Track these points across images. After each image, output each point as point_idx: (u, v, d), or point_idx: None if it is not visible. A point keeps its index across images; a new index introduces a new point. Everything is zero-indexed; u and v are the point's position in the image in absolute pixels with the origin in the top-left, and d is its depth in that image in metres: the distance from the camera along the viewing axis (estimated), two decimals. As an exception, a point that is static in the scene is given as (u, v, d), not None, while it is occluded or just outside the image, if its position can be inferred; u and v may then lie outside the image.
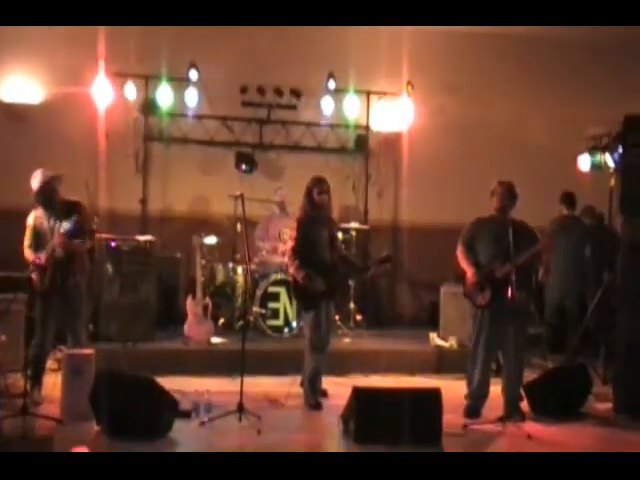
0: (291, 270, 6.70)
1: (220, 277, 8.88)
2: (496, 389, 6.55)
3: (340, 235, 7.23)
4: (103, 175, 8.83)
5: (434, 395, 5.68)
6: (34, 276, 6.40)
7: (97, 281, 8.17)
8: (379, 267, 7.00)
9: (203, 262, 8.57)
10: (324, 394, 6.91)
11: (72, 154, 8.85)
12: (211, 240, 8.70)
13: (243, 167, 9.50)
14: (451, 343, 8.43)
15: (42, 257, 6.38)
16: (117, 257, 8.24)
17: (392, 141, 10.12)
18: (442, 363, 8.21)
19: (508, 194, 6.41)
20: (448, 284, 8.62)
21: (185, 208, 9.77)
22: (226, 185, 8.96)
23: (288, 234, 6.91)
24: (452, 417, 6.02)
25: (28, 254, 6.47)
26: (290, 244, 6.70)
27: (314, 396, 6.72)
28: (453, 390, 6.60)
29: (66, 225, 6.35)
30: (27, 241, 6.50)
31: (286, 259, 6.84)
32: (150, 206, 9.68)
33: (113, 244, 8.24)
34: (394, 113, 9.97)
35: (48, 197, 6.44)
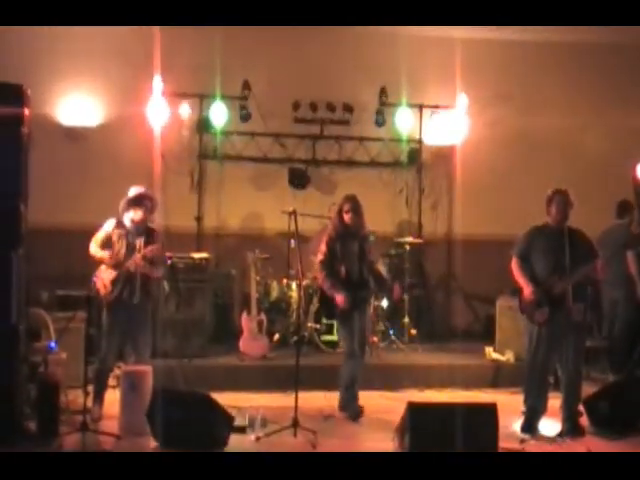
0: (320, 282, 6.88)
1: (274, 293, 8.92)
2: (554, 403, 6.43)
3: (370, 248, 7.39)
4: (159, 193, 8.91)
5: (490, 410, 5.60)
6: (101, 288, 6.48)
7: (154, 298, 8.27)
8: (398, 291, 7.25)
9: (257, 278, 8.63)
10: (360, 411, 6.86)
11: (129, 173, 8.83)
12: (266, 256, 8.77)
13: (296, 183, 9.56)
14: (507, 357, 8.32)
15: (113, 272, 6.49)
16: (173, 274, 8.32)
17: (445, 154, 10.06)
18: (498, 377, 8.12)
19: (565, 203, 6.30)
20: (504, 297, 8.53)
21: (239, 225, 9.86)
22: (279, 201, 9.07)
23: (319, 248, 7.00)
24: (508, 432, 5.95)
25: (96, 251, 6.56)
26: (319, 257, 6.83)
27: (352, 404, 6.73)
28: (510, 405, 6.53)
29: (151, 248, 6.52)
30: (97, 241, 6.59)
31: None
32: (205, 223, 9.74)
33: (169, 261, 8.30)
34: (447, 125, 9.92)
35: (139, 210, 6.58)
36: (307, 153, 9.96)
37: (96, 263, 6.62)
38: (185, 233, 9.43)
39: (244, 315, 8.37)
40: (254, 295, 8.44)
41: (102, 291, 6.51)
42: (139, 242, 6.56)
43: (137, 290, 6.55)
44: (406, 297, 9.24)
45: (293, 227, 7.12)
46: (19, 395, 5.79)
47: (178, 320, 8.21)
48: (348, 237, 6.83)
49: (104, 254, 6.54)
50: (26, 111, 5.85)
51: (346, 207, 6.83)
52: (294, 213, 6.94)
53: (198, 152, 9.70)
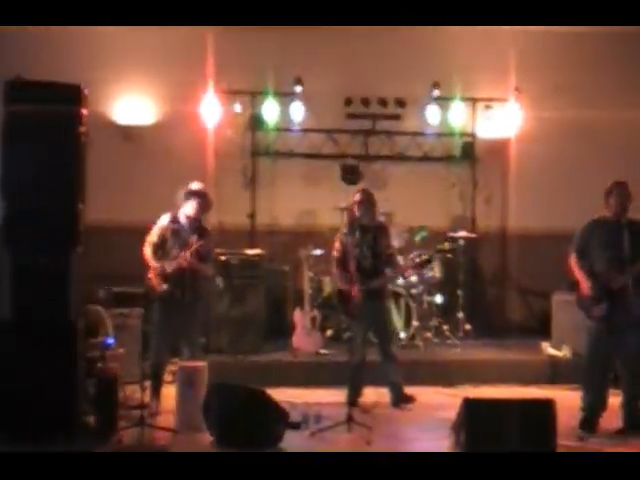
0: (334, 279, 7.07)
1: (327, 289, 8.89)
2: (615, 400, 6.30)
3: (396, 242, 7.45)
4: (212, 191, 8.94)
5: (548, 406, 5.49)
6: (155, 284, 6.55)
7: (207, 294, 8.32)
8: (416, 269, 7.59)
9: (310, 274, 8.67)
10: (411, 400, 6.87)
11: (183, 171, 8.84)
12: (318, 252, 8.75)
13: (348, 179, 9.51)
14: (564, 352, 8.19)
15: (168, 268, 6.55)
16: (226, 271, 8.39)
17: (499, 147, 9.94)
18: (555, 373, 8.00)
19: (625, 195, 6.15)
20: (560, 291, 8.39)
21: (292, 221, 9.88)
22: (332, 197, 9.08)
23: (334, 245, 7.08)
24: (567, 429, 5.85)
25: (149, 253, 6.63)
26: (334, 253, 6.93)
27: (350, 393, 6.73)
28: (568, 401, 6.38)
29: (200, 243, 6.55)
30: (154, 237, 6.65)
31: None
32: (258, 220, 9.79)
33: (223, 258, 8.37)
34: (501, 119, 9.80)
35: (195, 202, 6.62)
36: (359, 149, 9.93)
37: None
38: (238, 230, 9.51)
39: (297, 311, 8.39)
40: (307, 291, 8.49)
41: (154, 287, 6.56)
42: (192, 239, 6.59)
43: (188, 287, 6.61)
44: (459, 293, 9.18)
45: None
46: (78, 391, 5.86)
47: (232, 316, 8.26)
48: (360, 230, 6.85)
49: (154, 264, 6.58)
50: (84, 111, 5.93)
51: (357, 200, 6.88)
52: (347, 209, 6.92)
53: (251, 149, 9.76)
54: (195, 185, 6.72)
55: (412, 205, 9.25)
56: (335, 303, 7.34)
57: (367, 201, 6.91)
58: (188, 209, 6.66)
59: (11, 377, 5.67)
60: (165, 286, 6.53)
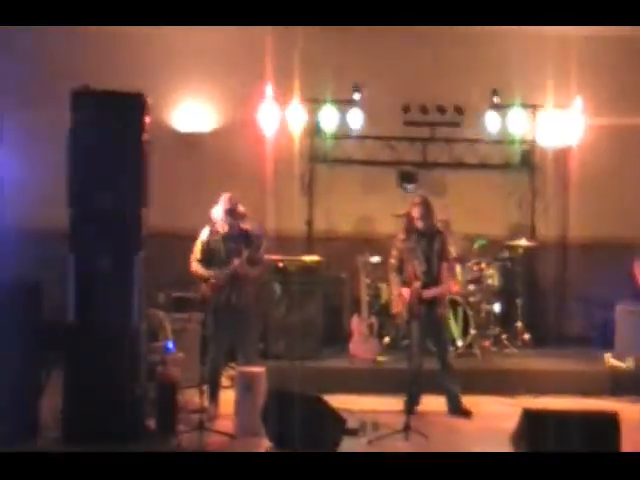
0: (390, 285, 7.18)
1: (384, 296, 8.87)
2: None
3: (452, 250, 7.46)
4: (270, 197, 9.09)
5: (611, 418, 5.41)
6: (207, 293, 6.66)
7: (265, 300, 8.42)
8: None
9: (368, 281, 8.64)
10: (468, 414, 6.85)
11: (241, 178, 9.14)
12: (375, 259, 8.73)
13: (405, 186, 9.48)
14: (628, 364, 8.04)
15: (219, 277, 6.63)
16: (284, 277, 8.47)
17: (559, 155, 9.79)
18: (618, 385, 7.85)
19: None
20: (624, 302, 8.28)
21: (349, 228, 9.85)
22: (389, 204, 9.08)
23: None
24: (632, 443, 5.66)
25: (197, 268, 6.74)
26: (390, 260, 7.01)
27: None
28: (631, 413, 6.30)
29: (246, 253, 6.63)
30: (197, 254, 6.77)
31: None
32: (315, 226, 9.80)
33: (280, 265, 8.45)
34: (562, 126, 9.65)
35: (233, 220, 6.74)
36: (417, 156, 9.85)
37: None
38: (296, 236, 9.54)
39: (354, 318, 8.40)
40: (364, 298, 8.47)
41: (206, 295, 6.68)
42: (238, 246, 6.67)
43: (237, 292, 6.69)
44: (518, 302, 9.09)
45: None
46: (140, 394, 5.98)
47: (289, 323, 8.29)
48: (417, 237, 6.88)
49: (204, 272, 6.70)
50: (147, 119, 6.05)
51: (415, 206, 6.92)
52: (405, 216, 6.93)
53: (309, 156, 9.77)
54: (223, 197, 6.77)
55: (470, 213, 9.20)
56: (392, 310, 7.34)
57: (425, 207, 6.92)
58: (219, 221, 6.77)
59: (75, 380, 5.80)
60: (214, 294, 6.64)
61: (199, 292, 6.74)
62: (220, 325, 6.71)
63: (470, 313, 8.54)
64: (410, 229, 6.95)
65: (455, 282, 7.43)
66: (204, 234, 6.79)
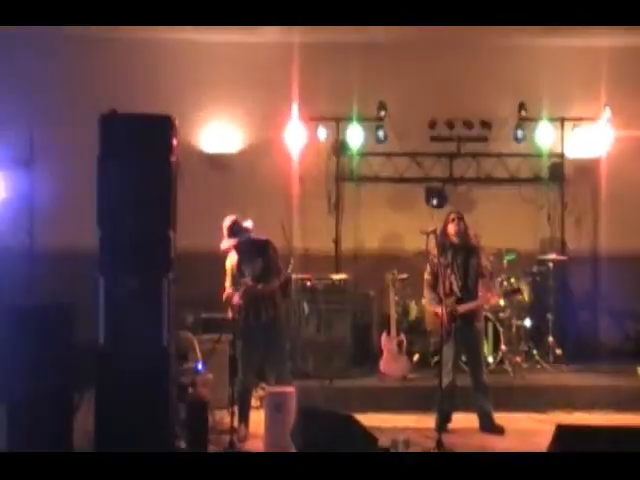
0: (425, 301, 7.15)
1: (413, 313, 8.92)
2: None
3: (487, 264, 7.34)
4: (297, 216, 9.14)
5: (646, 435, 5.34)
6: (230, 315, 6.78)
7: (294, 319, 8.48)
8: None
9: (396, 298, 8.65)
10: (500, 430, 6.85)
11: (269, 197, 9.28)
12: (403, 276, 8.77)
13: (433, 202, 9.47)
14: (663, 378, 7.99)
15: (235, 298, 6.73)
16: (312, 296, 8.53)
17: (589, 168, 9.76)
18: (653, 399, 7.79)
19: None
20: (657, 315, 8.22)
21: (377, 245, 9.87)
22: (417, 221, 8.80)
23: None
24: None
25: (227, 284, 6.86)
26: (425, 275, 7.02)
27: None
28: (667, 429, 6.17)
29: (251, 270, 6.71)
30: (227, 282, 6.89)
31: None
32: (343, 245, 9.81)
33: (309, 283, 8.53)
34: (591, 139, 9.63)
35: (243, 244, 6.80)
36: (444, 171, 9.89)
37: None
38: (324, 255, 9.58)
39: (384, 335, 8.40)
40: (393, 315, 8.47)
41: (234, 314, 6.78)
42: (249, 266, 6.77)
43: (265, 309, 6.75)
44: (549, 316, 9.04)
45: (432, 246, 7.09)
46: (170, 415, 6.02)
47: (318, 341, 8.38)
48: (452, 251, 6.90)
49: (226, 293, 6.82)
50: (174, 141, 6.14)
51: (450, 220, 6.97)
52: (434, 232, 6.93)
53: (335, 174, 9.82)
54: (226, 222, 6.87)
55: (499, 227, 9.15)
56: (425, 326, 7.32)
57: (462, 224, 6.97)
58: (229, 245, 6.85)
59: (107, 401, 5.87)
60: (238, 313, 6.72)
61: (226, 316, 6.82)
62: (248, 344, 6.76)
63: (501, 329, 8.52)
64: (445, 245, 6.93)
65: (495, 294, 7.41)
66: (227, 261, 6.92)
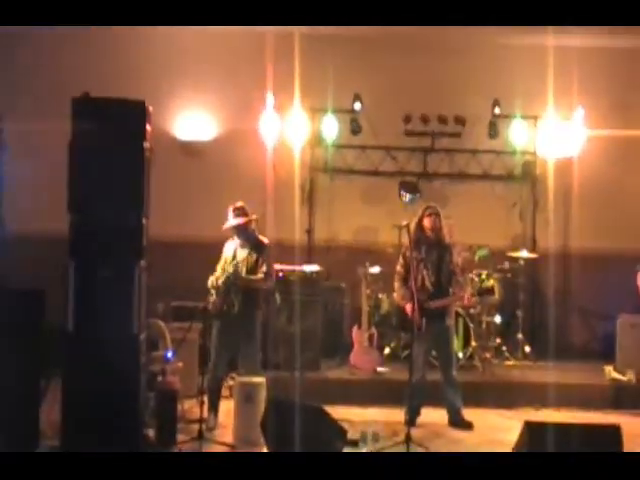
0: (396, 295, 7.13)
1: (385, 306, 8.92)
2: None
3: (459, 260, 7.34)
4: (271, 207, 9.08)
5: (613, 432, 5.31)
6: (211, 299, 6.74)
7: (265, 310, 8.38)
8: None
9: (368, 292, 8.66)
10: (469, 426, 6.91)
11: (242, 187, 9.12)
12: (376, 270, 8.77)
13: (407, 196, 9.51)
14: (629, 377, 8.06)
15: (219, 281, 6.71)
16: (284, 287, 8.47)
17: (561, 166, 9.77)
18: (619, 398, 7.88)
19: None
20: (626, 314, 8.30)
21: (350, 238, 9.88)
22: (390, 215, 9.06)
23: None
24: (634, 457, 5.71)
25: (214, 278, 6.79)
26: (397, 267, 7.02)
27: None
28: (633, 426, 6.31)
29: (245, 260, 6.71)
30: (218, 266, 6.87)
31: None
32: (316, 236, 9.87)
33: (281, 274, 8.42)
34: (563, 137, 9.67)
35: (244, 231, 6.84)
36: (418, 166, 9.94)
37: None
38: (296, 246, 9.50)
39: (355, 329, 8.42)
40: (365, 309, 8.47)
41: (211, 303, 6.74)
42: (243, 254, 6.76)
43: (239, 300, 6.72)
44: (519, 313, 9.10)
45: (405, 240, 7.12)
46: (140, 403, 5.96)
47: (290, 333, 8.30)
48: (426, 246, 6.90)
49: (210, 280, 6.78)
50: (148, 127, 6.06)
51: (426, 215, 6.95)
52: (407, 227, 6.93)
53: (309, 165, 9.83)
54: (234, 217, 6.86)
55: (471, 224, 9.09)
56: (395, 320, 7.30)
57: (438, 219, 6.96)
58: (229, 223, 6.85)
59: (75, 389, 5.79)
60: (213, 299, 6.70)
61: (208, 301, 6.77)
62: (224, 335, 6.77)
63: (471, 325, 8.56)
64: (419, 239, 6.92)
65: (468, 294, 7.41)
66: (226, 246, 6.91)
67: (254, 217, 6.92)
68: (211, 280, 6.78)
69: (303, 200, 9.78)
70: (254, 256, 6.78)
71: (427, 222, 6.95)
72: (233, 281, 6.69)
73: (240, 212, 6.84)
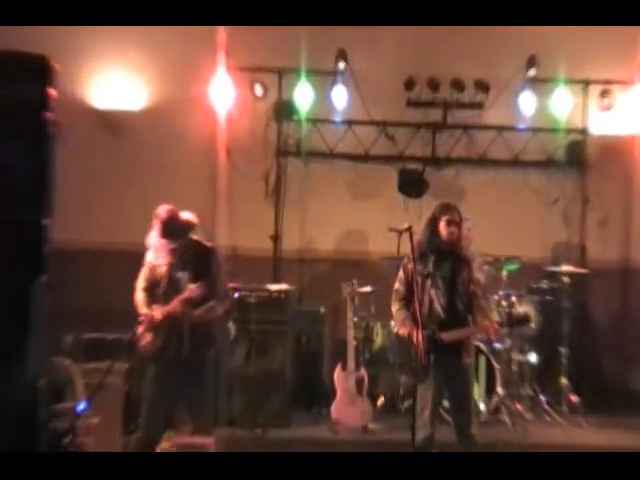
0: (394, 321, 6.95)
1: (379, 340, 8.94)
2: None
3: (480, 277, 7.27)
4: (222, 203, 9.05)
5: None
6: (144, 334, 6.63)
7: (217, 346, 8.30)
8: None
9: (356, 319, 8.67)
10: None
11: (183, 175, 9.22)
12: (367, 289, 8.77)
13: (409, 190, 9.54)
14: None
15: (158, 313, 6.61)
16: (242, 313, 8.45)
17: (620, 149, 9.85)
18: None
19: None
20: None
21: (332, 246, 9.99)
22: (387, 214, 9.12)
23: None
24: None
25: (140, 299, 6.72)
26: (396, 285, 6.83)
27: None
28: None
29: (193, 288, 6.54)
30: (141, 282, 6.76)
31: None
32: (285, 244, 9.88)
33: (236, 295, 8.41)
34: (624, 110, 9.71)
35: (173, 238, 6.66)
36: (424, 148, 9.96)
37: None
38: (258, 257, 9.58)
39: (338, 370, 8.38)
40: (351, 342, 8.42)
41: (144, 341, 6.64)
42: (184, 276, 6.65)
43: (185, 338, 6.62)
44: (563, 350, 9.03)
45: (406, 250, 7.02)
46: (38, 474, 5.86)
47: (248, 375, 8.30)
48: (436, 257, 6.78)
49: (145, 311, 6.66)
50: (52, 91, 5.97)
51: (447, 216, 6.77)
52: (409, 231, 6.84)
53: (276, 147, 9.85)
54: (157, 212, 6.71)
55: (497, 227, 9.26)
56: (392, 357, 7.26)
57: (451, 219, 6.79)
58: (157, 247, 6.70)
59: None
60: (150, 338, 6.59)
61: (135, 332, 6.65)
62: (162, 381, 6.67)
63: (496, 366, 8.52)
64: (428, 247, 6.83)
65: (492, 323, 7.29)
66: (150, 255, 6.76)
67: (192, 219, 6.80)
68: (143, 302, 6.70)
69: (267, 194, 9.79)
70: (198, 276, 6.64)
71: (444, 230, 6.88)
72: (179, 320, 6.60)
73: (175, 225, 6.66)
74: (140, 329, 6.63)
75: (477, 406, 8.32)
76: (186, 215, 6.75)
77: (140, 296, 6.72)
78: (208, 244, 6.87)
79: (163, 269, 6.70)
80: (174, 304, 6.57)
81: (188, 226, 6.74)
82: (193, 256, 6.72)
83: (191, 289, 6.55)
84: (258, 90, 9.56)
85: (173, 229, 6.64)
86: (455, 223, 6.76)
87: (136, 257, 6.78)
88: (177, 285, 6.63)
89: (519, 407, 8.65)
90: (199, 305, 6.63)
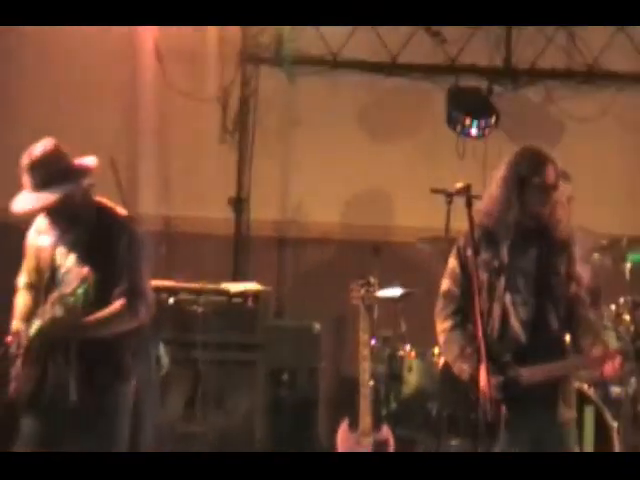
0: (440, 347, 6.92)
1: (414, 378, 8.63)
2: None
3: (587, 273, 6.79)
4: (148, 142, 9.42)
5: None
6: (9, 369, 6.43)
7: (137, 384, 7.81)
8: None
9: (375, 343, 8.52)
10: None
11: (83, 100, 9.53)
12: (394, 292, 8.54)
13: (465, 122, 9.47)
14: None
15: (21, 333, 6.39)
16: (180, 329, 8.46)
17: None
18: None
19: None
20: None
21: (333, 218, 9.98)
22: (427, 165, 9.41)
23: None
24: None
25: (19, 305, 6.52)
26: (444, 285, 6.60)
27: None
28: None
29: (80, 291, 6.20)
30: (23, 277, 6.56)
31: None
32: (255, 213, 10.01)
33: (171, 300, 8.25)
34: None
35: (53, 187, 6.27)
36: (491, 54, 9.96)
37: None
38: (208, 235, 9.72)
39: (343, 429, 8.20)
40: (367, 383, 8.10)
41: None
42: (71, 260, 6.40)
43: (72, 375, 6.33)
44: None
45: (463, 225, 6.37)
46: None
47: (193, 435, 8.43)
48: (515, 239, 6.45)
49: (18, 327, 6.48)
50: None
51: (535, 177, 6.40)
52: (466, 193, 6.13)
53: (239, 51, 9.83)
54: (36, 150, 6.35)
55: (617, 189, 9.49)
56: (436, 409, 7.91)
57: (544, 181, 6.34)
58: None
59: None
60: (20, 374, 6.33)
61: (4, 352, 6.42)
62: (44, 442, 6.22)
63: (612, 423, 8.13)
64: (500, 222, 6.36)
65: (609, 352, 6.76)
66: (30, 236, 6.53)
67: (89, 163, 6.35)
68: (18, 306, 6.49)
69: (225, 129, 9.73)
70: (102, 261, 6.23)
71: (532, 198, 6.31)
72: (61, 334, 6.21)
73: (56, 169, 6.27)
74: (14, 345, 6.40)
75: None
76: (81, 160, 6.37)
77: (20, 301, 6.52)
78: (119, 211, 6.44)
79: (46, 253, 6.44)
80: (45, 315, 6.29)
81: (80, 172, 6.34)
82: (92, 229, 6.30)
83: (74, 292, 6.29)
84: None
85: (52, 173, 6.27)
86: (551, 187, 6.32)
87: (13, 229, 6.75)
88: (64, 278, 6.35)
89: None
90: (96, 308, 6.26)
